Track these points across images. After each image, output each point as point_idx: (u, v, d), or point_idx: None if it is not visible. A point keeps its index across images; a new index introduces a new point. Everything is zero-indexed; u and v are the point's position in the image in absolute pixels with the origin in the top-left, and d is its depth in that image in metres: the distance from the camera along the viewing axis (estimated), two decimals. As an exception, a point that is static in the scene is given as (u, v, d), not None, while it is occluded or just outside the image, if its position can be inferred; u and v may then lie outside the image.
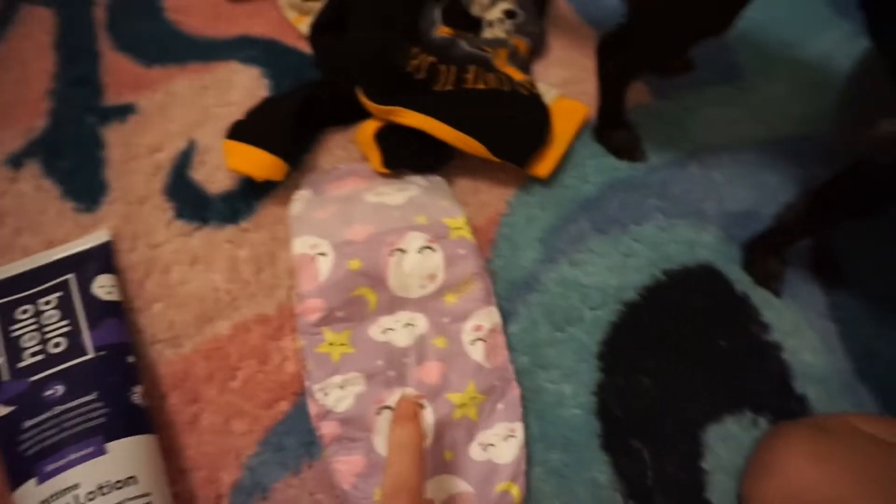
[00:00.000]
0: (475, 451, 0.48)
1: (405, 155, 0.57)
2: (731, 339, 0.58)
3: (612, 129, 0.65)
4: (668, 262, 0.60)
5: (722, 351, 0.58)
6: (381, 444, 0.47)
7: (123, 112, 0.58)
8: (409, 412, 0.44)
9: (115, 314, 0.47)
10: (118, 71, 0.60)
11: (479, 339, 0.50)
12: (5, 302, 0.46)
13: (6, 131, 0.56)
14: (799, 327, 0.60)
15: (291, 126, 0.55)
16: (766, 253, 0.60)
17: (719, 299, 0.60)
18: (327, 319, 0.48)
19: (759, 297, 0.60)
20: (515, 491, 0.48)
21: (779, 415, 0.56)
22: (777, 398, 0.57)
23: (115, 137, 0.56)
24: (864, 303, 0.61)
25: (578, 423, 0.53)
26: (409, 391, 0.48)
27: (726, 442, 0.54)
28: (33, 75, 0.60)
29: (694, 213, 0.63)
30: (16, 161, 0.54)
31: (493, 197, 0.60)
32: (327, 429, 0.46)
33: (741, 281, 0.61)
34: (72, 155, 0.55)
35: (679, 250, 0.61)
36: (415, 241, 0.51)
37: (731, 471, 0.54)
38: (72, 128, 0.56)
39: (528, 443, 0.50)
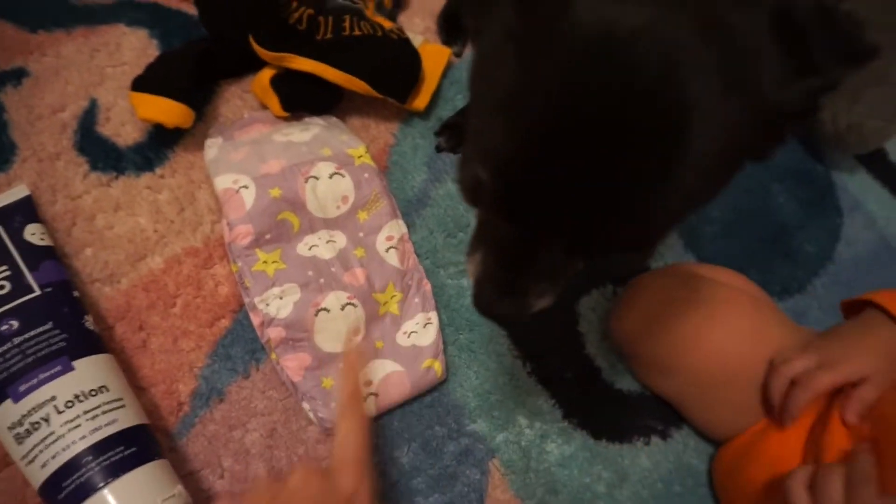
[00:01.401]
0: (401, 339, 0.57)
1: (300, 97, 0.64)
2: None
3: None
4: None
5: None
6: (321, 340, 0.54)
7: (17, 76, 0.59)
8: (351, 398, 0.47)
9: (51, 256, 0.51)
10: (3, 37, 0.60)
11: (392, 248, 0.59)
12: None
13: None
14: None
15: (191, 75, 0.59)
16: None
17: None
18: (258, 242, 0.54)
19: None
20: (437, 366, 0.57)
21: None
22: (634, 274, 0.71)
23: (13, 101, 0.58)
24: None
25: (478, 308, 0.63)
26: (342, 293, 0.56)
27: (594, 310, 0.68)
28: None
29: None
30: None
31: (381, 131, 0.68)
32: (273, 333, 0.53)
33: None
34: (-30, 121, 0.56)
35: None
36: (325, 169, 0.58)
37: (601, 330, 0.67)
38: (-38, 96, 0.57)
39: (441, 328, 0.60)
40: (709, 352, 0.56)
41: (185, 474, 0.50)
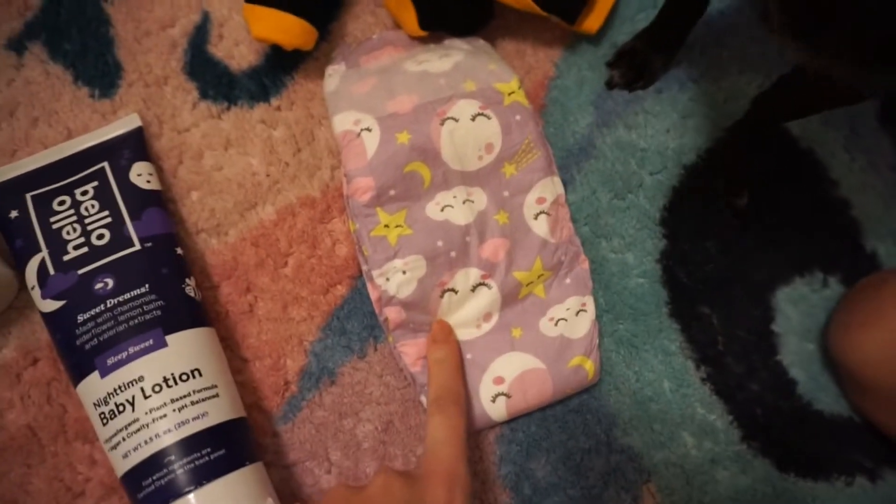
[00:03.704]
0: (546, 327, 0.46)
1: (442, 14, 0.51)
2: (797, 198, 0.55)
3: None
4: (730, 120, 0.56)
5: (789, 211, 0.55)
6: (446, 324, 0.45)
7: (126, -16, 0.51)
8: (442, 334, 0.44)
9: (157, 203, 0.44)
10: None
11: (543, 213, 0.47)
12: (39, 193, 0.43)
13: (-1, 13, 0.50)
14: (867, 183, 0.56)
15: (316, -13, 0.49)
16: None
17: (784, 157, 0.56)
18: (380, 199, 0.44)
19: (826, 152, 0.57)
20: (589, 365, 0.46)
21: (850, 274, 0.54)
22: (848, 257, 0.54)
23: (119, 14, 0.50)
24: (937, 153, 0.58)
25: (644, 292, 0.51)
26: (474, 271, 0.45)
27: (797, 304, 0.53)
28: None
29: (757, 67, 0.58)
30: (17, 45, 0.49)
31: (540, 60, 0.55)
32: (391, 314, 0.44)
33: (805, 137, 0.57)
34: (76, 35, 0.50)
35: (741, 107, 0.56)
36: (466, 108, 0.46)
37: (803, 332, 0.52)
38: (70, 3, 0.50)
39: (597, 316, 0.48)
40: None
41: (289, 464, 0.44)
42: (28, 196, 0.43)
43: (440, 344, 0.44)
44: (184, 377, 0.38)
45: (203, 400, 0.38)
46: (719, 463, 0.48)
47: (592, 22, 0.54)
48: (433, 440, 0.38)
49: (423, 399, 0.44)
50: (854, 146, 0.57)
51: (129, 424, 0.37)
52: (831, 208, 0.55)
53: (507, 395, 0.45)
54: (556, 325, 0.46)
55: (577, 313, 0.47)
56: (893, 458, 0.50)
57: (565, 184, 0.50)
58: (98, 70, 0.49)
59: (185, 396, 0.37)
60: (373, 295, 0.45)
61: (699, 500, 0.47)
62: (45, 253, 0.41)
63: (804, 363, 0.52)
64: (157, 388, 0.37)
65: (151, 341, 0.38)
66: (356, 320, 0.47)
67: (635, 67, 0.54)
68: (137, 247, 0.42)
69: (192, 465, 0.36)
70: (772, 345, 0.52)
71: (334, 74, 0.50)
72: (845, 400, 0.51)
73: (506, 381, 0.45)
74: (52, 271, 0.40)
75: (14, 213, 0.42)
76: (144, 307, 0.40)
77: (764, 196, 0.54)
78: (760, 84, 0.57)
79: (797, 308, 0.52)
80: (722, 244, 0.53)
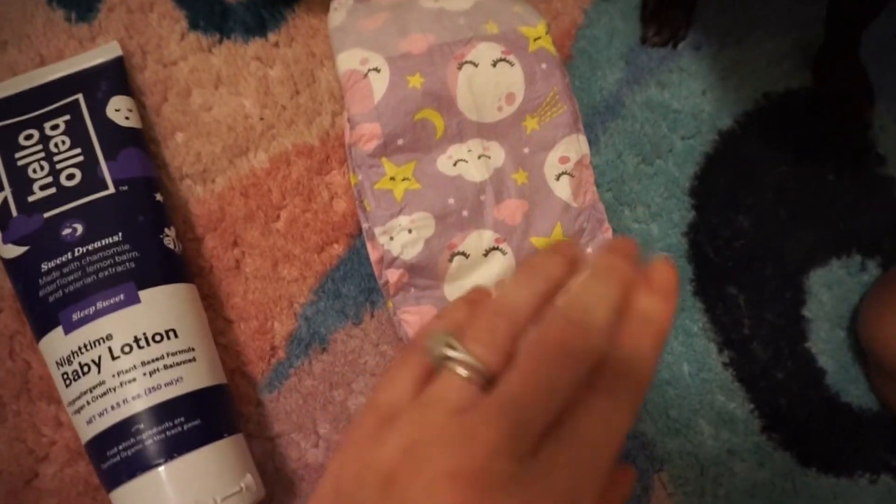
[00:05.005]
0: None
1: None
2: (840, 173, 0.51)
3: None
4: (772, 84, 0.51)
5: (830, 186, 0.50)
6: (452, 292, 0.41)
7: None
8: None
9: (135, 143, 0.39)
10: None
11: (566, 174, 0.42)
12: (5, 125, 0.38)
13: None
14: (918, 159, 0.52)
15: None
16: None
17: (828, 128, 0.51)
18: (386, 148, 0.40)
19: (877, 124, 0.52)
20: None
21: (890, 258, 0.49)
22: (889, 240, 0.50)
23: (104, -72, 0.45)
24: None
25: (668, 268, 0.46)
26: (487, 234, 0.41)
27: (831, 288, 0.48)
28: None
29: (803, 29, 0.52)
30: (-14, -42, 0.44)
31: (568, 5, 0.50)
32: (393, 276, 0.40)
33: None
34: (54, -49, 0.44)
35: (784, 71, 0.51)
36: (487, 52, 0.41)
37: (836, 319, 0.48)
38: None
39: (614, 289, 0.44)
40: None
41: (272, 436, 0.40)
42: (-9, 127, 0.38)
43: (656, 295, 0.37)
44: (157, 338, 0.34)
45: (178, 364, 0.34)
46: (737, 454, 0.45)
47: (629, -35, 0.49)
48: (571, 436, 0.32)
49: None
50: (906, 119, 0.52)
51: (95, 387, 0.33)
52: (875, 186, 0.51)
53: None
54: (573, 298, 0.42)
55: (597, 287, 0.43)
56: (923, 457, 0.47)
57: (588, 144, 0.45)
58: (76, -10, 0.44)
59: (157, 359, 0.33)
60: (373, 255, 0.41)
61: (713, 492, 0.44)
62: (7, 192, 0.36)
63: (834, 352, 0.48)
64: (126, 349, 0.33)
65: (122, 296, 0.34)
66: (352, 283, 0.43)
67: (674, 21, 0.49)
68: (111, 190, 0.37)
69: (163, 435, 0.32)
70: (801, 330, 0.48)
71: (340, 8, 0.45)
72: (872, 392, 0.47)
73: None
74: (14, 213, 0.36)
75: (-26, 146, 0.38)
76: (116, 258, 0.35)
77: (804, 170, 0.50)
78: (805, 47, 0.52)
79: (831, 292, 0.48)
80: (755, 219, 0.49)
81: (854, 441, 0.47)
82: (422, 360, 0.21)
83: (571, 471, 0.20)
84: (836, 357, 0.48)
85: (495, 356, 0.21)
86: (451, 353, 0.21)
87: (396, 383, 0.22)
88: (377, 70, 0.40)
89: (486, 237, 0.41)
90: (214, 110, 0.43)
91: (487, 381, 0.21)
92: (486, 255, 0.41)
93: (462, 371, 0.21)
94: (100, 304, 0.34)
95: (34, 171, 0.37)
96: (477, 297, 0.26)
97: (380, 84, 0.40)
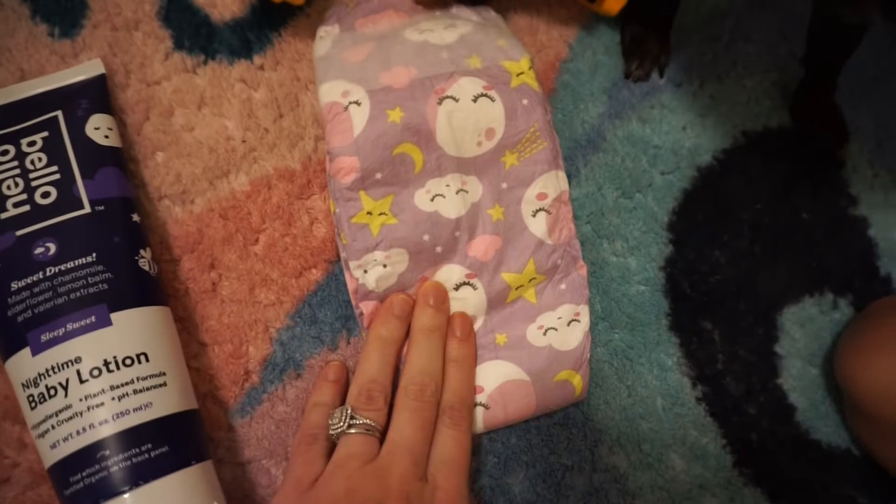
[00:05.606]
0: (534, 335, 0.42)
1: (452, -21, 0.47)
2: (814, 212, 0.51)
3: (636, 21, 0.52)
4: (750, 122, 0.52)
5: (804, 224, 0.51)
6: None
7: (100, -88, 0.46)
8: (463, 329, 0.41)
9: (114, 162, 0.39)
10: None
11: (542, 210, 0.43)
12: (-24, 140, 0.38)
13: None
14: (889, 201, 0.53)
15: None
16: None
17: (803, 167, 0.52)
18: (364, 182, 0.40)
19: (848, 164, 0.53)
20: (577, 381, 0.42)
21: (861, 297, 0.50)
22: (861, 279, 0.51)
23: (92, -55, 0.45)
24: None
25: (644, 301, 0.47)
26: (458, 269, 0.41)
27: (804, 325, 0.49)
28: None
29: (785, 67, 0.54)
30: (-29, -30, 0.43)
31: (553, 38, 0.50)
32: (367, 308, 0.40)
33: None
34: (40, -35, 0.44)
35: (763, 110, 0.53)
36: (468, 87, 0.41)
37: (807, 356, 0.49)
38: (37, -68, 0.45)
39: (591, 323, 0.44)
40: None
41: (243, 462, 0.40)
42: (-34, 142, 0.38)
43: (457, 340, 0.40)
44: (127, 361, 0.34)
45: (147, 389, 0.33)
46: (708, 489, 0.45)
47: (614, 3, 0.50)
48: (440, 458, 0.35)
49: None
50: (879, 161, 0.53)
51: (61, 411, 0.32)
52: (848, 226, 0.52)
53: (486, 406, 0.41)
54: (545, 334, 0.42)
55: (570, 323, 0.43)
56: (890, 496, 0.47)
57: (569, 177, 0.46)
58: (60, 6, 0.43)
59: (127, 384, 0.33)
60: (350, 285, 0.41)
61: (683, 527, 0.44)
62: (-21, 209, 0.36)
63: (805, 389, 0.48)
64: (95, 372, 0.33)
65: (94, 318, 0.34)
66: (329, 309, 0.42)
67: (653, 57, 0.50)
68: (87, 210, 0.37)
69: (129, 462, 0.32)
70: (773, 367, 0.48)
71: (326, 37, 0.45)
72: (846, 430, 0.48)
73: (485, 390, 0.41)
74: (-14, 230, 0.35)
75: (-51, 160, 0.37)
76: (89, 279, 0.35)
77: (779, 207, 0.51)
78: (784, 86, 0.53)
79: (804, 329, 0.49)
80: (731, 255, 0.49)
81: (823, 478, 0.47)
82: (325, 440, 0.36)
83: (452, 480, 0.34)
84: (807, 394, 0.48)
85: (381, 417, 0.35)
86: (354, 422, 0.34)
87: (309, 459, 0.34)
88: (357, 103, 0.40)
89: (457, 272, 0.41)
90: (196, 131, 0.43)
91: (381, 434, 0.35)
92: (456, 289, 0.41)
93: (364, 432, 0.34)
94: (70, 326, 0.34)
95: (8, 187, 0.36)
96: (338, 376, 0.41)
97: (360, 118, 0.40)
